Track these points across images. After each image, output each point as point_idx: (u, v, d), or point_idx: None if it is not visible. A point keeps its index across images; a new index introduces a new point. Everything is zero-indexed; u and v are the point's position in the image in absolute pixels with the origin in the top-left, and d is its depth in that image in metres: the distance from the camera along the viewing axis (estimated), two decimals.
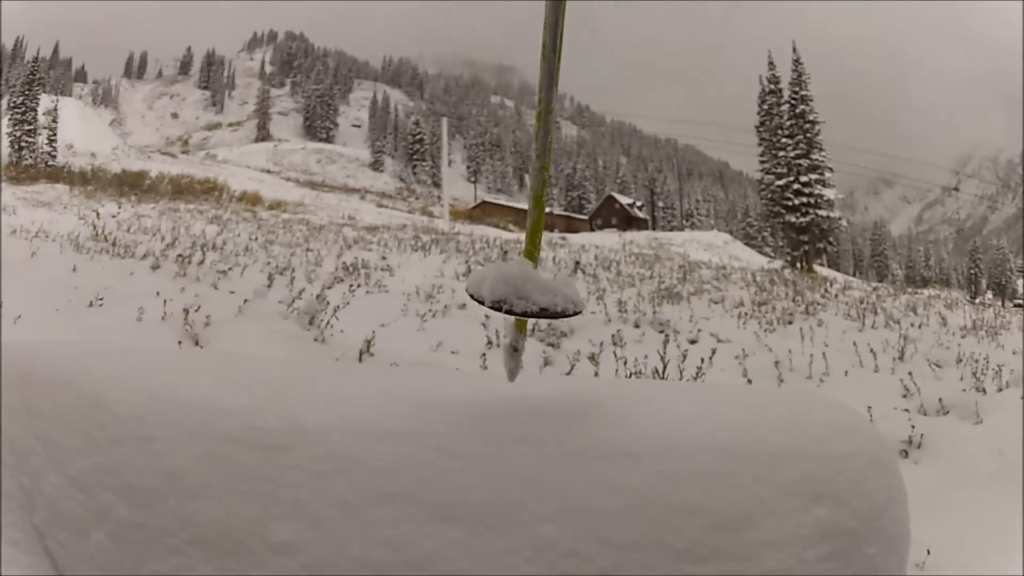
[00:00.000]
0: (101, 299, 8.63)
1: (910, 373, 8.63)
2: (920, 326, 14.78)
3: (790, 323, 14.17)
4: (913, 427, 6.47)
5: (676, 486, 1.89)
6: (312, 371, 2.51)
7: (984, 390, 8.10)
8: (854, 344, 11.09)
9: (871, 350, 10.75)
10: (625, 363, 8.19)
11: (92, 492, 1.96)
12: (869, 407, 7.06)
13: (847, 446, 2.11)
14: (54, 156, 52.52)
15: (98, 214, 18.19)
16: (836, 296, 19.87)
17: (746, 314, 14.42)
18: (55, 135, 53.51)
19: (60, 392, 2.18)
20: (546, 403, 2.19)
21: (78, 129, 61.82)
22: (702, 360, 7.68)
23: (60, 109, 55.77)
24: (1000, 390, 8.34)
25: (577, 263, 20.09)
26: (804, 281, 23.91)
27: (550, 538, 1.82)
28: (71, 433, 2.06)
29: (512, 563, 1.81)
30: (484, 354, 7.83)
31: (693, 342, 11.61)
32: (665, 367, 7.86)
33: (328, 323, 8.53)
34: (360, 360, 7.71)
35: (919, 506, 5.66)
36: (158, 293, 8.75)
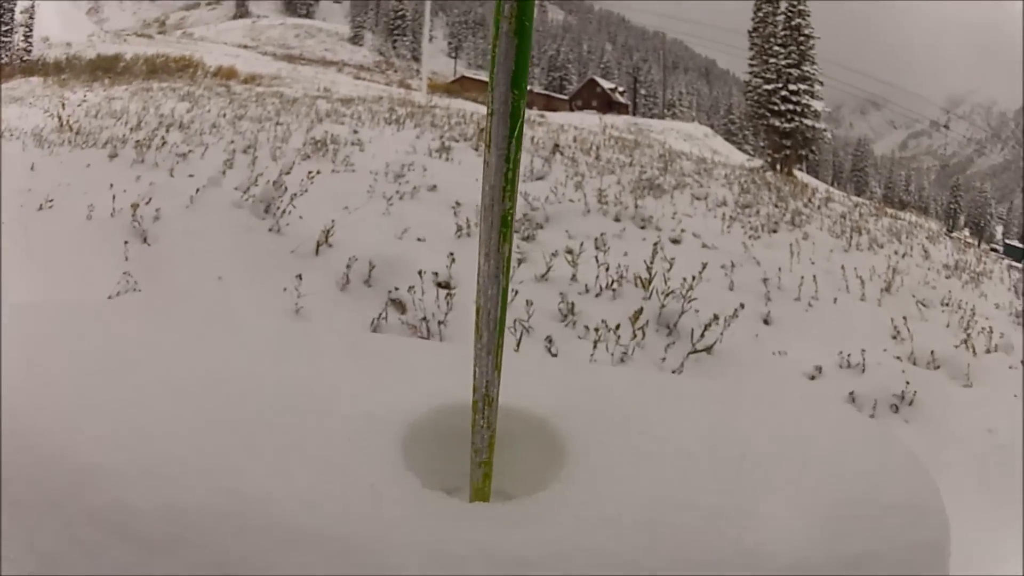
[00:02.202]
0: (51, 201, 8.04)
1: (904, 318, 8.36)
2: (904, 255, 14.59)
3: (775, 231, 13.84)
4: (907, 383, 6.21)
5: None
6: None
7: (974, 349, 7.90)
8: (842, 268, 10.84)
9: (858, 276, 10.52)
10: (607, 269, 7.55)
11: None
12: (863, 350, 6.87)
13: (918, 538, 1.77)
14: (29, 51, 50.74)
15: (63, 104, 17.05)
16: (819, 208, 19.50)
17: (730, 217, 13.88)
18: (31, 31, 51.32)
19: None
20: (532, 507, 1.62)
21: (55, 22, 59.86)
22: (692, 279, 7.08)
23: (37, 6, 53.44)
24: (988, 351, 8.21)
25: (556, 145, 19.18)
26: (787, 186, 23.49)
27: None
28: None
29: None
30: (452, 256, 7.03)
31: (676, 241, 11.19)
32: (651, 279, 7.32)
33: (285, 211, 7.85)
34: (316, 252, 7.07)
35: None
36: (111, 186, 8.07)
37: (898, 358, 7.16)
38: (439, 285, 6.77)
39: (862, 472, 1.88)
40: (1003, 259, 22.75)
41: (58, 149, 11.91)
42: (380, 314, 6.06)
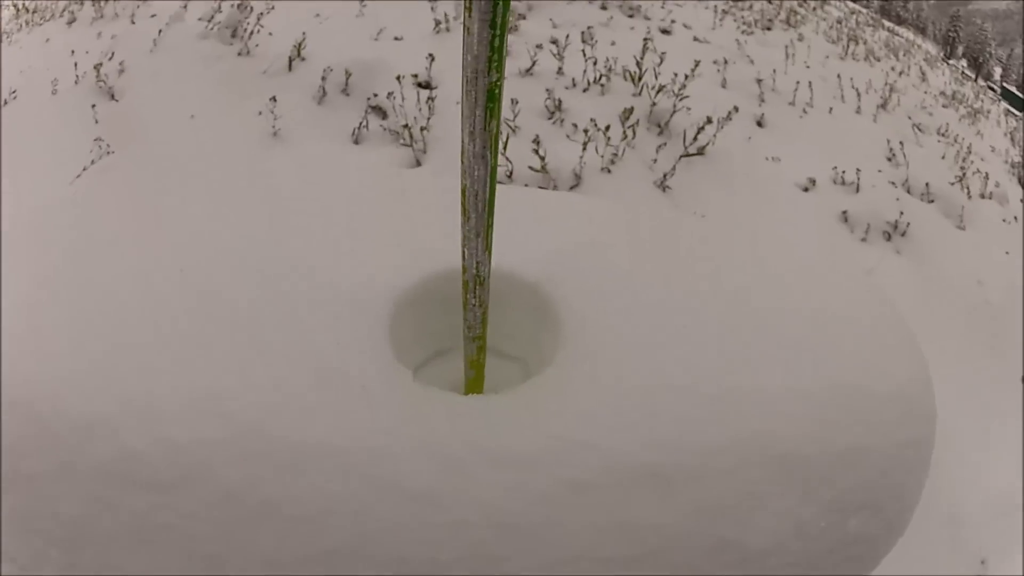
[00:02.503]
0: (14, 92, 7.34)
1: (901, 143, 7.93)
2: (901, 74, 14.05)
3: (769, 29, 13.20)
4: (901, 213, 5.99)
5: (710, 519, 1.46)
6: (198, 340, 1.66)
7: (969, 191, 7.67)
8: (838, 77, 10.38)
9: (854, 88, 10.12)
10: (595, 63, 7.00)
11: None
12: (858, 169, 6.59)
13: (907, 436, 1.72)
14: None
15: None
16: (815, 9, 18.65)
17: (723, 11, 13.12)
18: None
19: None
20: (529, 399, 1.55)
21: None
22: (685, 77, 6.60)
23: None
24: (983, 196, 8.01)
25: None
26: None
27: None
28: None
29: None
30: (431, 56, 6.49)
31: (666, 32, 10.51)
32: (641, 75, 6.84)
33: (252, 32, 7.21)
34: (290, 69, 6.51)
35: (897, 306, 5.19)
36: (72, 52, 7.50)
37: (892, 183, 6.88)
38: (419, 85, 6.26)
39: (861, 353, 1.82)
40: (1000, 101, 22.38)
41: (16, 36, 10.88)
42: (361, 123, 5.68)
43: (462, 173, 1.23)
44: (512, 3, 9.14)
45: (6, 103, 7.00)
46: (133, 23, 9.10)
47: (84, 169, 5.35)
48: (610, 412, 1.51)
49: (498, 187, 1.31)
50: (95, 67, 6.67)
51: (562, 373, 1.58)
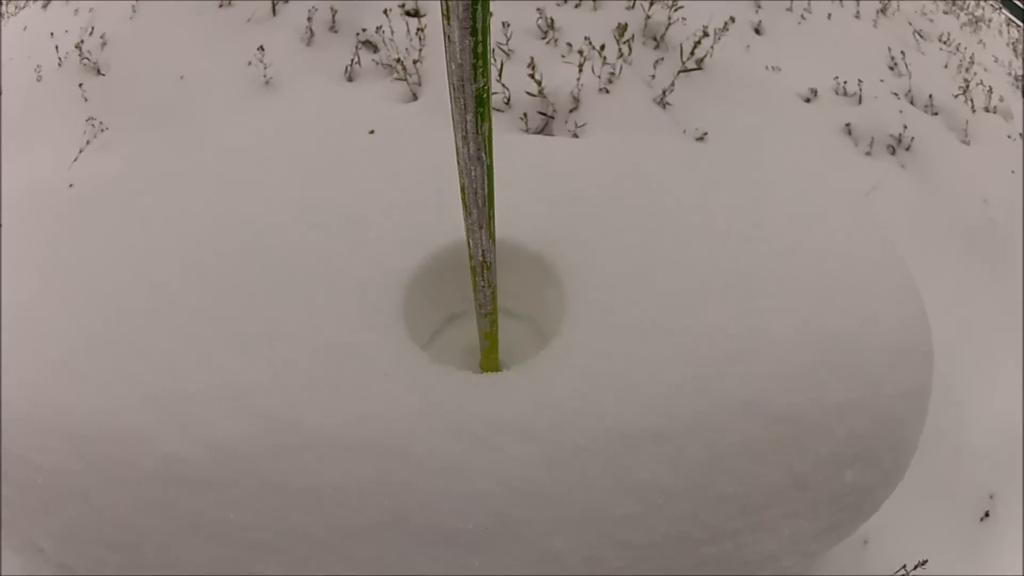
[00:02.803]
0: None
1: (903, 52, 7.78)
2: None
3: None
4: (905, 127, 5.93)
5: (710, 475, 1.54)
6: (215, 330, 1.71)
7: (973, 104, 7.47)
8: None
9: None
10: None
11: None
12: (860, 80, 6.47)
13: (901, 387, 1.75)
14: None
15: None
16: None
17: None
18: None
19: None
20: (537, 375, 1.61)
21: None
22: None
23: None
24: (987, 110, 7.79)
25: None
26: None
27: (559, 550, 1.52)
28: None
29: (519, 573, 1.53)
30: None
31: None
32: None
33: None
34: (274, 13, 6.32)
35: (901, 224, 5.20)
36: (52, 34, 7.20)
37: (895, 94, 6.76)
38: (408, 14, 6.12)
39: (858, 300, 1.85)
40: (1001, 10, 21.63)
41: None
42: (352, 59, 5.57)
43: (459, 173, 1.24)
44: None
45: None
46: None
47: (80, 151, 5.31)
48: (612, 382, 1.56)
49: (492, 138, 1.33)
50: (76, 45, 6.54)
51: (566, 345, 1.63)
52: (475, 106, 1.10)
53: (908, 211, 5.16)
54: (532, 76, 5.00)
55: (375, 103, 5.32)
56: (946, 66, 8.76)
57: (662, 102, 5.32)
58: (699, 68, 5.80)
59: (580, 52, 5.35)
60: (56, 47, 6.90)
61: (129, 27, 6.80)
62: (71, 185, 5.05)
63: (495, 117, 5.04)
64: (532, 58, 5.12)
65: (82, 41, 6.60)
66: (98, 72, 6.32)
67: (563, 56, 5.62)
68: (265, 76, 5.56)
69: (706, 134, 5.17)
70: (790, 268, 1.83)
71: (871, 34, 8.69)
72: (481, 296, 1.55)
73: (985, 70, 9.48)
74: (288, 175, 2.07)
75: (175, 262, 1.77)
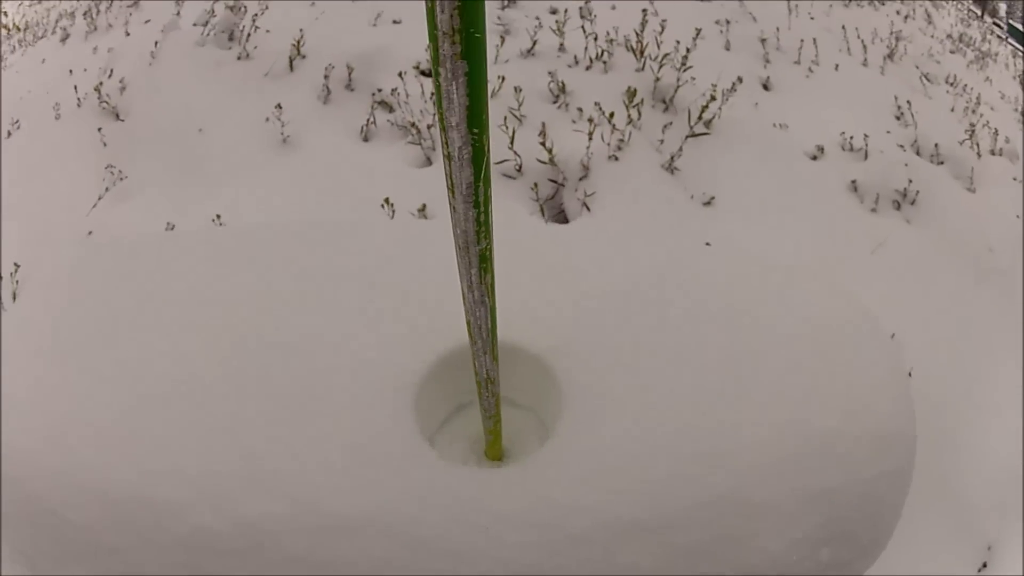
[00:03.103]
0: (17, 122, 7.27)
1: (908, 102, 7.92)
2: (906, 18, 13.86)
3: None
4: (910, 181, 6.04)
5: (691, 560, 1.68)
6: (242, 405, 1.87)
7: (979, 149, 7.59)
8: (843, 28, 10.33)
9: (859, 37, 10.11)
10: (596, 39, 7.07)
11: None
12: (866, 135, 6.65)
13: (881, 469, 1.84)
14: None
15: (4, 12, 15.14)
16: None
17: None
18: None
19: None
20: (536, 470, 1.78)
21: None
22: (687, 50, 6.65)
23: None
24: (993, 153, 7.95)
25: None
26: None
27: None
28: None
29: None
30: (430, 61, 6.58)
31: None
32: (643, 49, 6.92)
33: (249, 34, 7.26)
34: (291, 68, 6.60)
35: (907, 279, 5.32)
36: (71, 72, 7.53)
37: (901, 146, 6.93)
38: (423, 74, 6.38)
39: (844, 395, 1.92)
40: (1007, 41, 21.75)
41: (10, 59, 10.78)
42: (368, 119, 5.81)
43: (465, 311, 1.41)
44: None
45: (9, 135, 7.08)
46: (128, 34, 9.07)
47: (99, 198, 5.51)
48: (603, 480, 1.74)
49: (494, 231, 1.46)
50: (96, 88, 6.75)
51: (561, 446, 1.80)
52: (479, 262, 1.27)
53: (913, 267, 5.28)
54: (543, 144, 5.20)
55: (390, 165, 5.52)
56: (952, 109, 8.93)
57: (670, 167, 5.51)
58: (707, 132, 5.99)
59: (590, 119, 5.56)
60: (75, 87, 7.14)
61: (148, 73, 7.04)
62: (90, 233, 5.28)
63: (506, 185, 5.22)
64: (543, 124, 5.33)
65: (101, 83, 6.81)
66: (117, 117, 6.54)
67: (574, 122, 5.83)
68: (283, 134, 5.78)
69: (713, 199, 5.34)
70: (778, 365, 1.96)
71: (878, 82, 8.87)
72: (486, 403, 1.71)
73: (992, 108, 9.62)
74: (303, 268, 2.25)
75: (197, 339, 1.96)
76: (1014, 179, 7.29)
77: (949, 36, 14.47)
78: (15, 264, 4.60)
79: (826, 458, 1.81)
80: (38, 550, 1.77)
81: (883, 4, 13.98)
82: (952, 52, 13.01)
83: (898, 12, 14.08)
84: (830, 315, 2.20)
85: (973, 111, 9.06)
